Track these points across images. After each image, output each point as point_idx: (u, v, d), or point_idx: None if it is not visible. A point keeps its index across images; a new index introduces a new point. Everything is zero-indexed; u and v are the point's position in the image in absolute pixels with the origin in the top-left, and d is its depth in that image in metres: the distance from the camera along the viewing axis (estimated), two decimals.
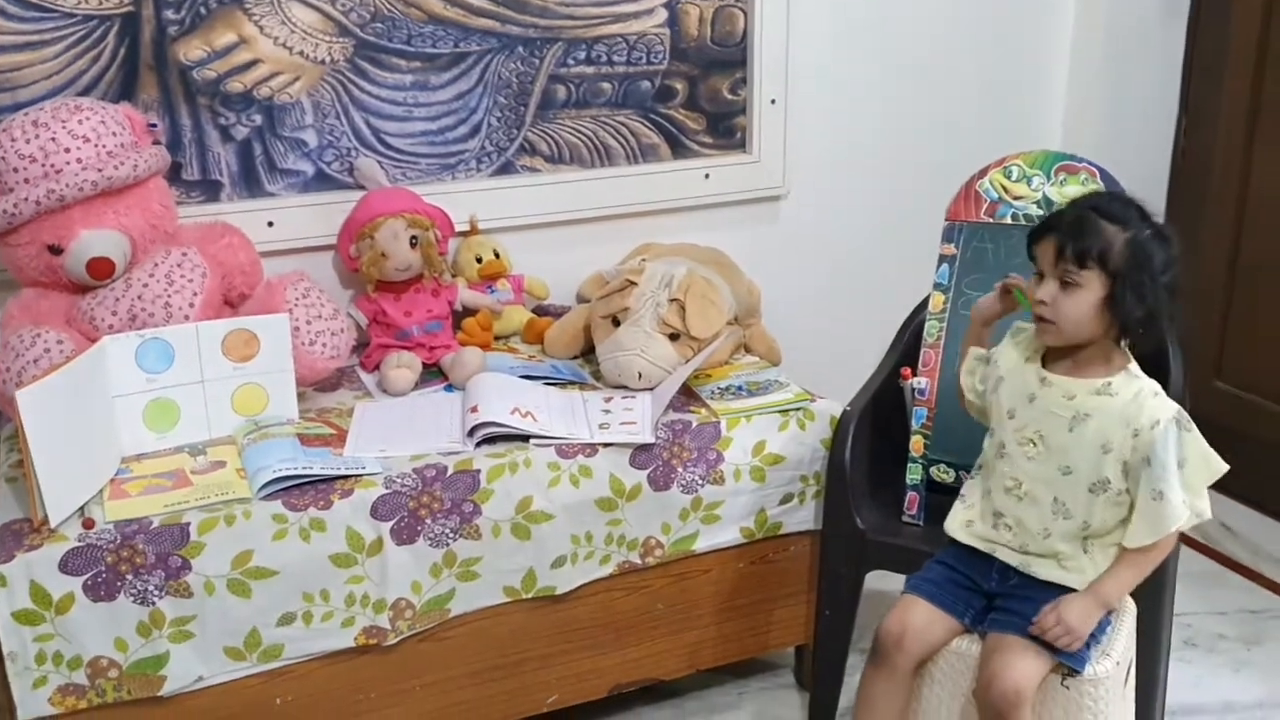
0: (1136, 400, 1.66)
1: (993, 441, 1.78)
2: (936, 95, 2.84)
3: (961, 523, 1.81)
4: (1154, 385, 1.69)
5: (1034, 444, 1.72)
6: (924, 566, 1.84)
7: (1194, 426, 1.65)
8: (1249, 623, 2.54)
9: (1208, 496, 1.67)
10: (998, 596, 1.76)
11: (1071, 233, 1.64)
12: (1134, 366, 1.71)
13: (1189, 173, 2.96)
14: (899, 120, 2.82)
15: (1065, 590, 1.70)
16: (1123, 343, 1.70)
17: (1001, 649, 1.68)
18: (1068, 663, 1.67)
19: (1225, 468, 1.66)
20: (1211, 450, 1.66)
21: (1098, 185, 2.09)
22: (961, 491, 1.82)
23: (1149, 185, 2.94)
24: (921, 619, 1.77)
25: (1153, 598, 1.91)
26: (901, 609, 1.79)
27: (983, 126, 2.85)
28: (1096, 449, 1.67)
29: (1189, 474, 1.64)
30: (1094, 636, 1.70)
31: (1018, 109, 2.96)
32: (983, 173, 2.18)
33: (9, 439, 1.99)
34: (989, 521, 1.78)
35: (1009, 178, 2.16)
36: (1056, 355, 1.74)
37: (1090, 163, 2.12)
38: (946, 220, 2.18)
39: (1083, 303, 1.64)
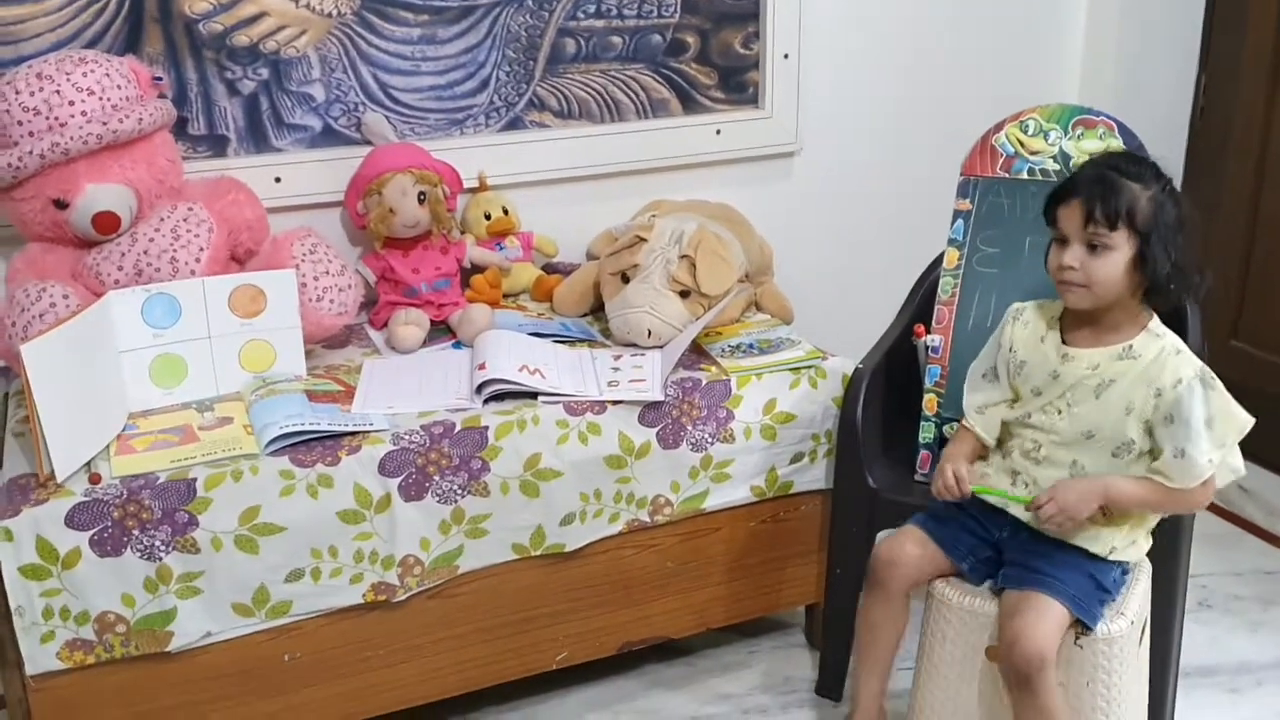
0: (1159, 360, 1.65)
1: (1014, 411, 1.77)
2: (953, 49, 2.80)
3: (976, 477, 1.80)
4: (1176, 342, 1.68)
5: (1060, 413, 1.71)
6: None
7: (1218, 383, 1.64)
8: (1265, 583, 2.52)
9: (1239, 452, 1.67)
10: (1008, 550, 1.75)
11: (1100, 194, 1.63)
12: (1155, 324, 1.69)
13: (1208, 129, 2.91)
14: (914, 74, 2.78)
15: (1077, 550, 1.70)
16: (1157, 303, 1.69)
17: (1022, 609, 1.67)
18: (1082, 617, 1.66)
19: (1251, 421, 1.66)
20: (1236, 405, 1.65)
21: (1115, 139, 2.06)
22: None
23: (1168, 140, 2.90)
24: (914, 548, 1.81)
25: (1168, 557, 1.89)
26: (898, 536, 1.84)
27: (999, 81, 2.81)
28: (1120, 411, 1.66)
29: (1218, 431, 1.63)
30: (1107, 592, 1.69)
31: (1035, 62, 2.91)
32: (998, 127, 2.14)
33: (17, 394, 1.98)
34: (1007, 479, 1.77)
35: (1025, 132, 2.12)
36: (1076, 324, 1.72)
37: (1108, 116, 2.08)
38: (962, 175, 2.15)
39: (1114, 264, 1.64)
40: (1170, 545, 1.90)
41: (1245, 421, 1.65)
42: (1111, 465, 1.68)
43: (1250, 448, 2.93)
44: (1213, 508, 2.79)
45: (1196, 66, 2.90)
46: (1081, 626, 1.68)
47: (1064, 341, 1.73)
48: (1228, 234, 2.90)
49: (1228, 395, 1.65)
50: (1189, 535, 1.98)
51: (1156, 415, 1.64)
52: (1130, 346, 1.67)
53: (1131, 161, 1.70)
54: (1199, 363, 1.65)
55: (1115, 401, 1.67)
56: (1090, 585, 1.68)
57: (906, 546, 1.81)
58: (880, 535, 2.06)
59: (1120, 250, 1.64)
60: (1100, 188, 1.64)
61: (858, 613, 1.89)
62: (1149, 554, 1.80)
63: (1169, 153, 2.85)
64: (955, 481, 1.76)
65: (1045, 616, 1.64)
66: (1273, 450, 2.83)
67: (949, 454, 1.83)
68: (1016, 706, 1.68)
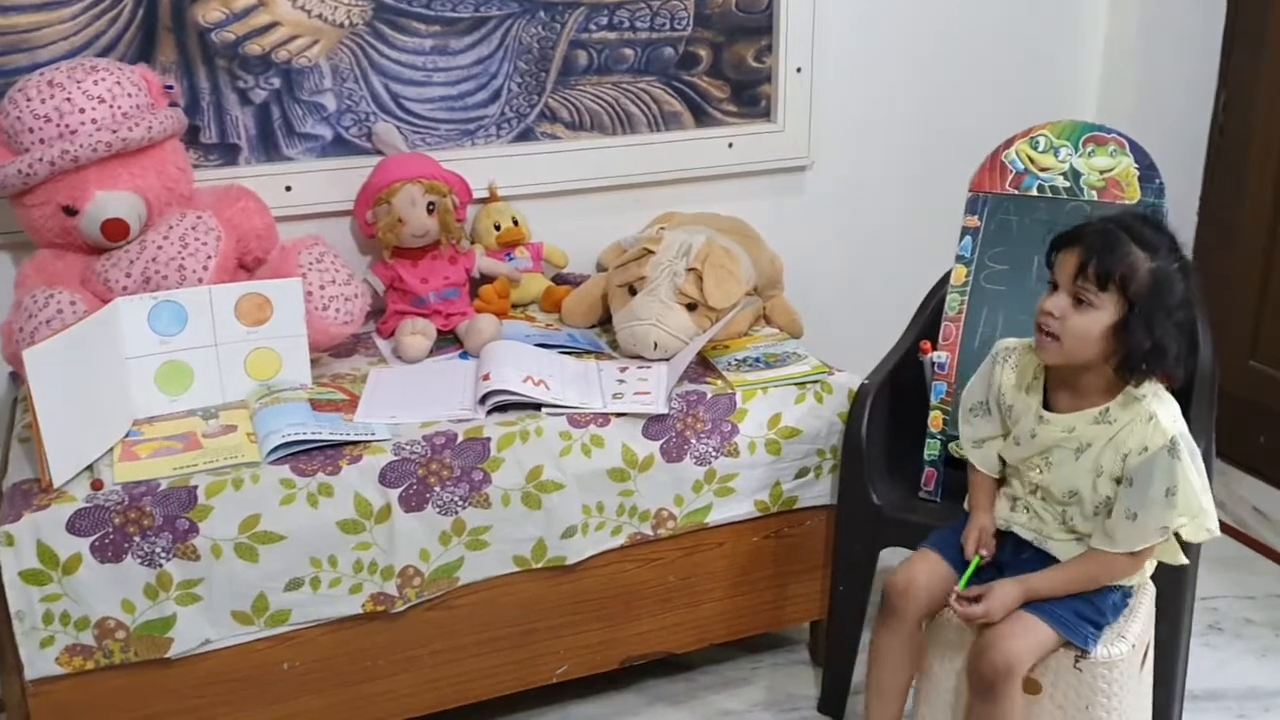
0: (1130, 427, 1.61)
1: (1009, 454, 1.76)
2: (967, 64, 2.78)
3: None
4: (1153, 408, 1.61)
5: (1040, 470, 1.70)
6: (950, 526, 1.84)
7: (1185, 454, 1.58)
8: (1278, 608, 2.48)
9: (1211, 511, 1.62)
10: (1008, 567, 1.74)
11: (1098, 250, 1.57)
12: (1133, 388, 1.63)
13: (1227, 147, 2.89)
14: (928, 89, 2.77)
15: None
16: (1127, 376, 1.62)
17: (1005, 619, 1.65)
18: (1075, 641, 1.65)
19: (1210, 503, 1.63)
20: (1200, 480, 1.61)
21: (1126, 156, 2.04)
22: None
23: (1187, 158, 2.88)
24: (927, 572, 1.77)
25: (1174, 580, 1.87)
26: (911, 562, 1.80)
27: (1015, 96, 2.79)
28: (1092, 474, 1.64)
29: (1182, 500, 1.58)
30: (1103, 615, 1.69)
31: (1051, 77, 2.90)
32: (1008, 143, 2.13)
33: (25, 399, 1.99)
34: (1007, 504, 1.77)
35: (1035, 148, 2.11)
36: (1057, 384, 1.70)
37: (1119, 133, 2.06)
38: (970, 192, 2.14)
39: (1093, 324, 1.58)
40: (1176, 567, 1.87)
41: (1206, 502, 1.61)
42: (1094, 518, 1.66)
43: (1265, 470, 2.89)
44: (1228, 530, 2.75)
45: (1216, 84, 2.87)
46: (1080, 650, 1.66)
47: (1046, 404, 1.70)
48: (1247, 252, 2.87)
49: (1193, 469, 1.59)
50: (1196, 558, 1.95)
51: (1122, 474, 1.61)
52: (1106, 410, 1.63)
53: (1149, 226, 1.61)
54: (1172, 432, 1.58)
55: (1090, 465, 1.64)
56: (1085, 608, 1.67)
57: (919, 571, 1.77)
58: (886, 555, 2.05)
59: (1104, 311, 1.57)
60: (1102, 243, 1.57)
61: (869, 646, 1.83)
62: (1154, 576, 1.78)
63: (1188, 171, 2.87)
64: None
65: (1025, 632, 1.63)
66: None
67: (971, 514, 1.80)
68: (973, 716, 1.66)
